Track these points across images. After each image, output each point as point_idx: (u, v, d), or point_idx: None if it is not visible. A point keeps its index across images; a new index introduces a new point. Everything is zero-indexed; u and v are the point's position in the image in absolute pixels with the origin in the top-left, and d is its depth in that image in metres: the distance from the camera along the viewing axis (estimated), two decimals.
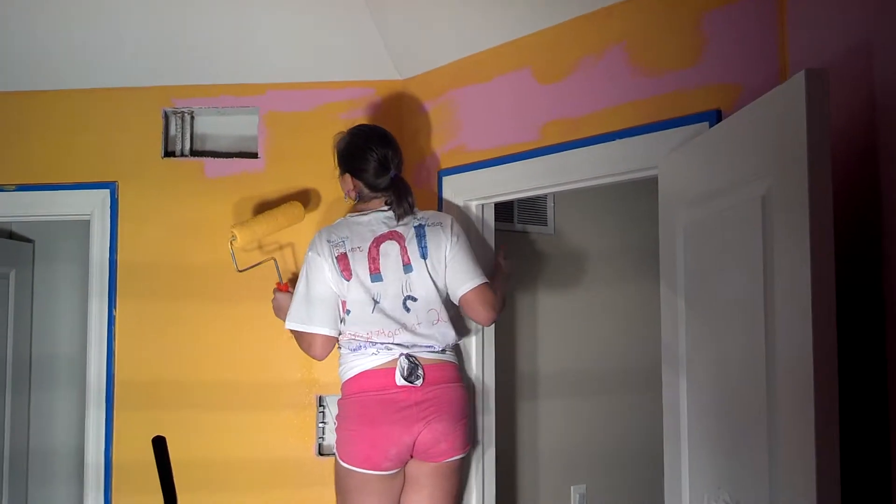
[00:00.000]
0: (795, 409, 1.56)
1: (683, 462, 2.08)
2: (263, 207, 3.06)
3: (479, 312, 2.65)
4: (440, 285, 2.66)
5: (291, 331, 2.66)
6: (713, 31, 2.24)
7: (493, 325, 2.92)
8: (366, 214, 2.67)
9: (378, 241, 2.62)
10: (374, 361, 2.61)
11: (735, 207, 1.82)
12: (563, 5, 2.56)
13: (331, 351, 2.66)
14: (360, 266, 2.59)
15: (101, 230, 3.14)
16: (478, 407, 2.91)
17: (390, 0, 2.76)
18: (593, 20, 2.53)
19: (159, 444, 2.03)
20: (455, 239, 2.66)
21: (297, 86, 3.16)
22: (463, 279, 2.64)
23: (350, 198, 2.73)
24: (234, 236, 2.86)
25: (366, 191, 2.68)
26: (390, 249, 2.62)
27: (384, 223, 2.65)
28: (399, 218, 2.66)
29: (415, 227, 2.66)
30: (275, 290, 2.85)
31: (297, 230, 3.05)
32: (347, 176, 2.70)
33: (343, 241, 2.61)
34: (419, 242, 2.64)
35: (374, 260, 2.60)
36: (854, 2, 1.80)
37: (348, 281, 2.59)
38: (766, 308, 1.68)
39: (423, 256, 2.62)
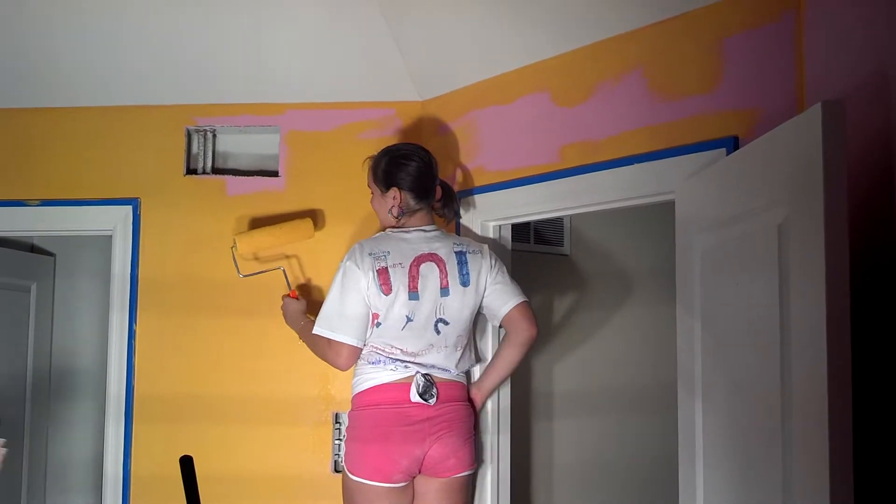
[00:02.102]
0: (809, 436, 1.58)
1: (698, 484, 2.10)
2: (276, 222, 3.09)
3: (524, 327, 2.72)
4: (473, 313, 2.72)
5: (317, 336, 2.69)
6: (731, 57, 2.27)
7: None
8: (409, 232, 2.70)
9: (419, 261, 2.65)
10: (391, 377, 2.64)
11: (752, 234, 1.84)
12: (583, 30, 2.59)
13: (354, 362, 2.69)
14: (399, 282, 2.61)
15: (123, 246, 3.18)
16: (493, 426, 2.93)
17: (411, 22, 2.80)
18: (612, 45, 2.56)
19: (187, 464, 2.05)
20: (495, 263, 2.74)
21: (317, 105, 3.20)
22: (506, 299, 2.71)
23: (393, 214, 2.71)
24: (234, 244, 2.96)
25: (412, 203, 2.70)
26: (429, 271, 2.65)
27: (426, 243, 2.69)
28: (448, 220, 2.76)
29: (456, 252, 2.69)
30: (284, 297, 2.90)
31: (304, 245, 3.10)
32: (393, 190, 2.70)
33: (385, 256, 2.63)
34: (461, 269, 2.67)
35: (413, 278, 2.63)
36: (871, 29, 1.82)
37: (387, 296, 2.61)
38: (781, 335, 1.70)
39: (464, 284, 2.67)
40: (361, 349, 2.67)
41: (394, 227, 2.74)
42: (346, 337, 2.63)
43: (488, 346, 2.94)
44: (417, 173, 2.69)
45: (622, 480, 3.86)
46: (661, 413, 3.59)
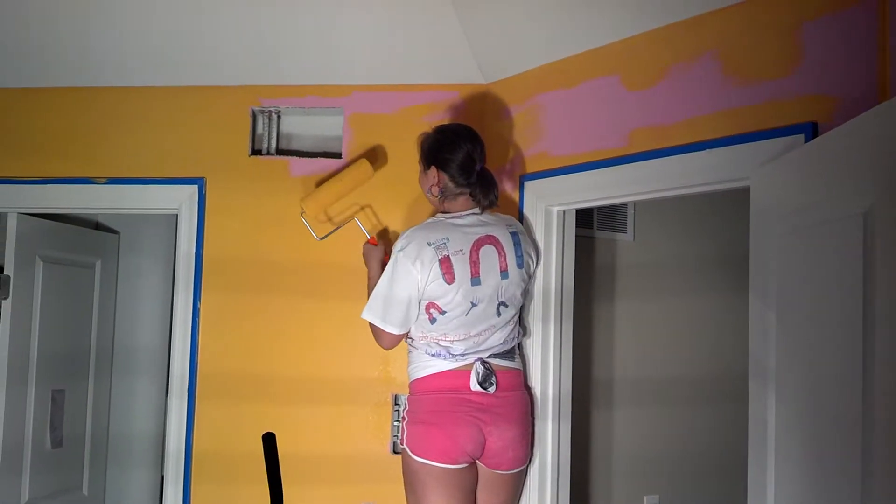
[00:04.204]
0: (892, 437, 1.53)
1: (769, 478, 2.05)
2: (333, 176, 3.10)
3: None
4: (524, 292, 2.77)
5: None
6: (810, 41, 2.20)
7: (570, 331, 2.97)
8: (462, 217, 2.70)
9: (478, 245, 2.65)
10: (450, 365, 2.67)
11: (834, 223, 1.79)
12: (655, 12, 2.54)
13: (397, 344, 2.74)
14: (461, 269, 2.62)
15: (189, 225, 3.22)
16: (553, 413, 2.90)
17: (477, 4, 2.77)
18: (685, 27, 2.50)
19: (269, 441, 2.07)
20: (536, 260, 2.83)
21: (381, 88, 3.19)
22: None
23: (432, 194, 2.74)
24: (302, 210, 2.98)
25: (450, 185, 2.69)
26: (489, 254, 2.66)
27: (482, 226, 2.69)
28: (483, 209, 2.72)
29: (511, 233, 2.71)
30: (365, 245, 2.90)
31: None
32: (433, 169, 2.71)
33: (444, 244, 2.62)
34: (516, 251, 2.70)
35: (475, 264, 2.63)
36: None
37: (450, 284, 2.61)
38: (864, 328, 1.65)
39: (520, 266, 2.70)
40: (404, 335, 2.70)
41: (443, 212, 2.74)
42: (391, 327, 2.67)
43: (531, 319, 2.93)
44: (461, 157, 2.68)
45: (682, 471, 3.82)
46: (724, 404, 3.55)
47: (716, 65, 2.41)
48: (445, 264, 2.61)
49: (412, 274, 2.61)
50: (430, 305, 2.65)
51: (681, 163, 2.46)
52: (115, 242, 4.19)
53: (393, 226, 3.14)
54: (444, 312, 2.63)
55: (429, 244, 2.62)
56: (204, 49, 3.08)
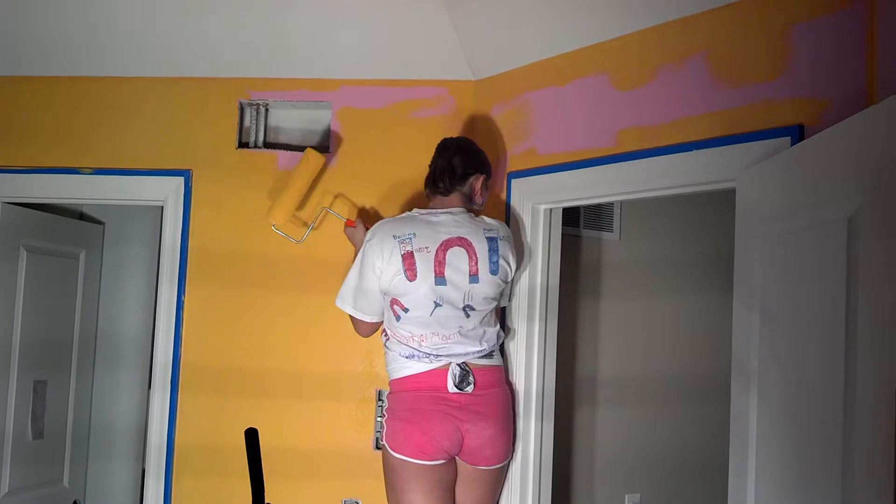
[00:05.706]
0: (874, 440, 1.54)
1: (750, 477, 2.06)
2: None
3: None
4: (497, 297, 2.75)
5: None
6: (799, 44, 2.21)
7: (555, 329, 2.98)
8: (437, 214, 2.70)
9: (446, 245, 2.64)
10: (425, 366, 2.67)
11: (819, 227, 1.80)
12: (645, 12, 2.54)
13: (375, 331, 2.79)
14: (424, 267, 2.61)
15: (174, 217, 3.20)
16: (536, 411, 2.90)
17: (468, 0, 2.76)
18: (675, 28, 2.50)
19: (251, 436, 2.07)
20: (517, 265, 2.78)
21: (370, 83, 3.18)
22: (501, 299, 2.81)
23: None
24: (272, 224, 3.00)
25: (438, 184, 2.74)
26: (458, 255, 2.64)
27: (455, 226, 2.67)
28: (464, 208, 2.73)
29: (487, 238, 2.68)
30: (345, 229, 2.92)
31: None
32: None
33: (409, 239, 2.63)
34: (490, 257, 2.66)
35: (439, 263, 2.62)
36: None
37: (412, 282, 2.61)
38: (846, 332, 1.66)
39: (493, 272, 2.67)
40: (380, 322, 2.75)
41: (423, 207, 2.76)
42: (363, 314, 2.73)
43: (516, 316, 2.94)
44: (439, 166, 2.73)
45: (664, 471, 3.82)
46: (707, 403, 3.55)
47: (705, 66, 2.42)
48: (408, 260, 2.61)
49: (376, 266, 2.63)
50: (394, 302, 2.66)
51: (668, 163, 2.47)
52: (100, 233, 4.15)
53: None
54: (408, 310, 2.64)
55: (394, 237, 2.63)
56: (193, 40, 3.06)
